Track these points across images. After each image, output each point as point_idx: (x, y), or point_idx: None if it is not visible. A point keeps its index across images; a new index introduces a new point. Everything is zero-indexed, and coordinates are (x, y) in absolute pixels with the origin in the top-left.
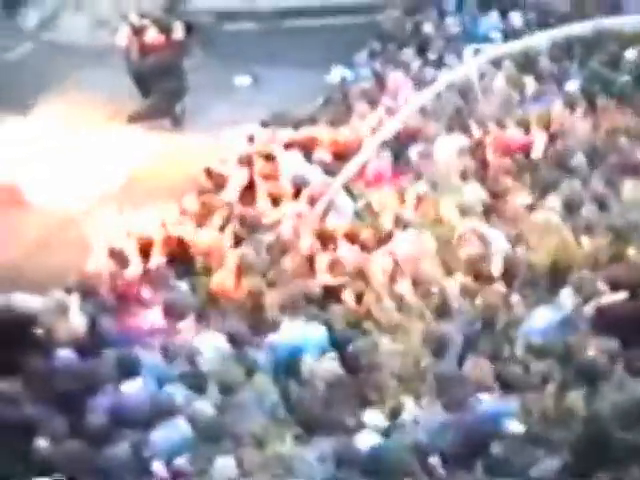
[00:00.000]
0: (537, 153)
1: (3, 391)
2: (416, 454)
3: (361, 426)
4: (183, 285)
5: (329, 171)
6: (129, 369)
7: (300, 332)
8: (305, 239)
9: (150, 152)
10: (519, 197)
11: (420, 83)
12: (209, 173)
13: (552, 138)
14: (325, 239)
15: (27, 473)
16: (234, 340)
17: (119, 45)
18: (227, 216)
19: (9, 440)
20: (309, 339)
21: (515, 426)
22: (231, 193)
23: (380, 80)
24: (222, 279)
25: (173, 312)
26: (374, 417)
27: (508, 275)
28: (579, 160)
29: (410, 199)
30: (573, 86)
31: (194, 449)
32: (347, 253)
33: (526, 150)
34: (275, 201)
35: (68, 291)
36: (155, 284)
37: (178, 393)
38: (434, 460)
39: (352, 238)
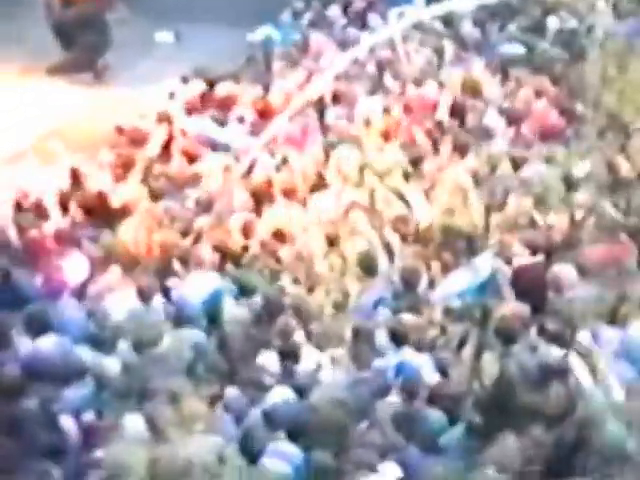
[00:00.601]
0: (442, 114)
1: None
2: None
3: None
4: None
5: (252, 130)
6: (40, 325)
7: (206, 283)
8: (238, 195)
9: (71, 106)
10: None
11: (344, 44)
12: (120, 131)
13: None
14: (261, 194)
15: None
16: (143, 295)
17: None
18: (146, 171)
19: None
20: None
21: (431, 376)
22: (153, 149)
23: (305, 41)
24: (131, 232)
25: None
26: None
27: (426, 238)
28: (494, 123)
29: (333, 160)
30: (494, 51)
31: (104, 406)
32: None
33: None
34: (192, 159)
35: None
36: (65, 239)
37: (89, 350)
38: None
39: (289, 194)
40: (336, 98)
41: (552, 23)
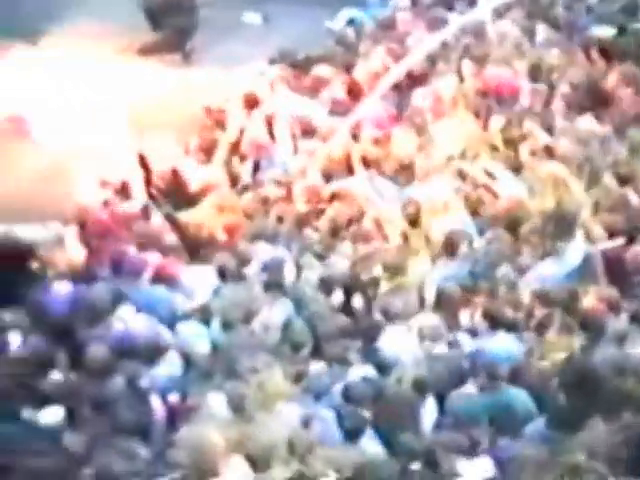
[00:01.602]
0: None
1: (7, 321)
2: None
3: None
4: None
5: (338, 111)
6: (124, 303)
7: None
8: (313, 175)
9: (158, 87)
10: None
11: (432, 24)
12: (209, 112)
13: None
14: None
15: (26, 405)
16: (223, 274)
17: None
18: (230, 152)
19: (14, 372)
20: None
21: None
22: (232, 132)
23: (394, 21)
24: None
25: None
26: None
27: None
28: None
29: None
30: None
31: (191, 385)
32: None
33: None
34: None
35: (66, 222)
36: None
37: (179, 329)
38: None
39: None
40: (419, 79)
41: None
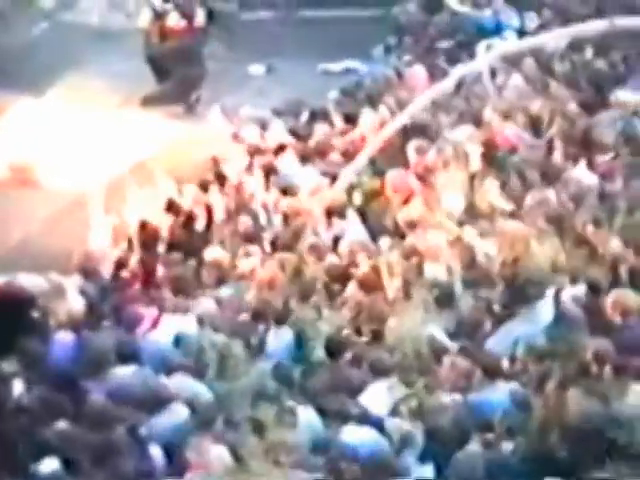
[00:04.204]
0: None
1: (6, 371)
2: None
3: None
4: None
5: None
6: (128, 355)
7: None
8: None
9: (161, 138)
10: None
11: (434, 76)
12: (215, 162)
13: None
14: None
15: (25, 456)
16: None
17: (140, 28)
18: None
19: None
20: None
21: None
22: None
23: (399, 75)
24: None
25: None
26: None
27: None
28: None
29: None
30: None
31: (190, 435)
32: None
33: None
34: None
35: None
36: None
37: (175, 380)
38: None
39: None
40: (417, 130)
41: None
